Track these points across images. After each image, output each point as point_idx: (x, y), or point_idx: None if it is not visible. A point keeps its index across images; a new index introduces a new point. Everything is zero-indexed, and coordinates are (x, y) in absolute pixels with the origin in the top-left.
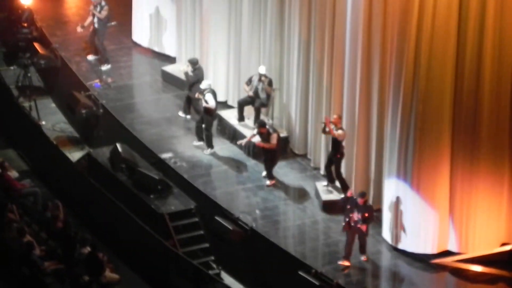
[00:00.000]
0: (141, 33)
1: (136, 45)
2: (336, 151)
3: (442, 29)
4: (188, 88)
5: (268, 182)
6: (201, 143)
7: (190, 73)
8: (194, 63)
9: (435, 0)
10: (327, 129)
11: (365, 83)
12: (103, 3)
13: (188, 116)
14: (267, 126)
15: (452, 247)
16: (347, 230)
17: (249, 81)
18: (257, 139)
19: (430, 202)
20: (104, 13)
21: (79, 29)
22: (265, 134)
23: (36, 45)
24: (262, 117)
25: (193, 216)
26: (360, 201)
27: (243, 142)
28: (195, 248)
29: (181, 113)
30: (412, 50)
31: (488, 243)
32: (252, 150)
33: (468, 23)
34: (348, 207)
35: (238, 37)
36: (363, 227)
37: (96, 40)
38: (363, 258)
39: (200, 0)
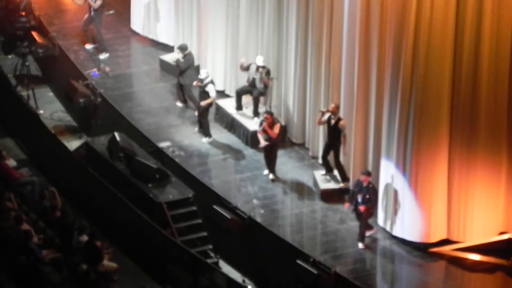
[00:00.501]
0: (139, 21)
1: (135, 33)
2: (335, 139)
3: (440, 18)
4: (180, 75)
5: (271, 176)
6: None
7: (181, 59)
8: (184, 48)
9: None
10: (323, 119)
11: (363, 72)
12: None
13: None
14: (273, 116)
15: (450, 235)
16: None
17: (247, 68)
18: (258, 127)
19: (428, 190)
20: (99, 2)
21: (78, 2)
22: (270, 123)
23: (34, 34)
24: (261, 106)
25: (191, 205)
26: (363, 179)
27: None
28: (193, 237)
29: (179, 103)
30: (411, 40)
31: (486, 232)
32: (250, 139)
33: (466, 13)
34: (355, 190)
35: (236, 26)
36: (362, 208)
37: (94, 29)
38: (360, 245)
39: None
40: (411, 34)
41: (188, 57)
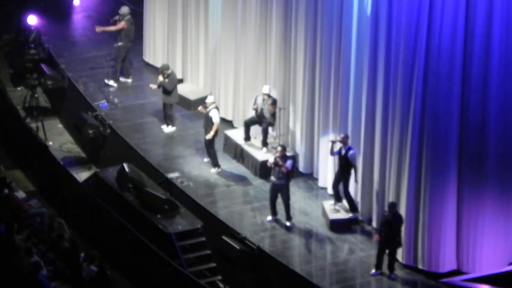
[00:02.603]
0: (152, 53)
1: (148, 65)
2: (345, 170)
3: (448, 49)
4: (166, 94)
5: (288, 223)
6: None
7: (166, 81)
8: (167, 68)
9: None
10: (334, 149)
11: (371, 102)
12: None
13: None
14: (286, 152)
15: (460, 266)
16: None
17: (255, 101)
18: (270, 159)
19: (438, 221)
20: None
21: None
22: (282, 156)
23: (43, 66)
24: (270, 135)
25: (200, 235)
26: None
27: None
28: (202, 267)
29: (164, 127)
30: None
31: (496, 263)
32: (259, 170)
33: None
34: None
35: (243, 57)
36: (376, 237)
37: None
38: (372, 270)
39: (205, 21)
40: (422, 66)
41: (172, 76)
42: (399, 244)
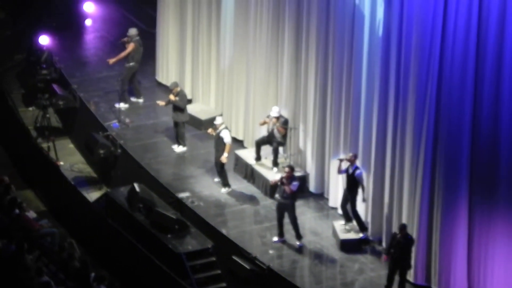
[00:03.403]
0: (165, 73)
1: (160, 85)
2: (352, 190)
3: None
4: (178, 112)
5: (298, 242)
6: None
7: (177, 98)
8: (176, 86)
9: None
10: (342, 168)
11: (382, 121)
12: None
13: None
14: (294, 172)
15: (471, 286)
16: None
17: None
18: (275, 178)
19: (449, 241)
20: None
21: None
22: (289, 177)
23: (55, 86)
24: (281, 155)
25: (210, 255)
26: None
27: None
28: (213, 287)
29: (175, 147)
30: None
31: (507, 283)
32: (269, 190)
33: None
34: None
35: (255, 77)
36: (384, 257)
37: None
38: None
39: (217, 41)
40: (434, 87)
41: (182, 93)
42: (409, 266)
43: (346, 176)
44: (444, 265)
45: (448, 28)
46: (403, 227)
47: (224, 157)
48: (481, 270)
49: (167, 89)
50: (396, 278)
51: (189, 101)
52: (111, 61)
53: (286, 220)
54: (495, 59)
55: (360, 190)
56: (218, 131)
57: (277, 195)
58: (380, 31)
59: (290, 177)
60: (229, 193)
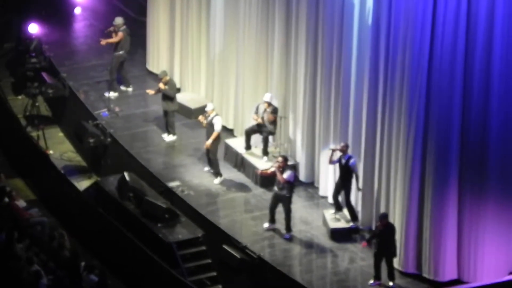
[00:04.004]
0: (155, 62)
1: (150, 73)
2: (347, 179)
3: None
4: (167, 101)
5: (287, 234)
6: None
7: (167, 87)
8: (165, 74)
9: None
10: (333, 158)
11: (371, 110)
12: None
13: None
14: (287, 163)
15: (460, 276)
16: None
17: (256, 110)
18: (263, 168)
19: (439, 230)
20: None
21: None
22: (281, 167)
23: (44, 74)
24: (271, 144)
25: (200, 244)
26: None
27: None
28: (203, 276)
29: (165, 136)
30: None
31: (497, 272)
32: (259, 179)
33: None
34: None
35: (244, 66)
36: (363, 244)
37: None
38: (370, 281)
39: (207, 30)
40: (425, 74)
41: (171, 82)
42: (394, 254)
43: (339, 166)
44: (434, 253)
45: (437, 17)
46: (384, 217)
47: (208, 142)
48: (471, 258)
49: (157, 78)
50: (384, 267)
51: (178, 90)
52: (104, 41)
53: (279, 209)
54: (485, 48)
55: (353, 180)
56: (210, 118)
57: (275, 187)
58: (369, 20)
59: (282, 167)
60: (219, 182)
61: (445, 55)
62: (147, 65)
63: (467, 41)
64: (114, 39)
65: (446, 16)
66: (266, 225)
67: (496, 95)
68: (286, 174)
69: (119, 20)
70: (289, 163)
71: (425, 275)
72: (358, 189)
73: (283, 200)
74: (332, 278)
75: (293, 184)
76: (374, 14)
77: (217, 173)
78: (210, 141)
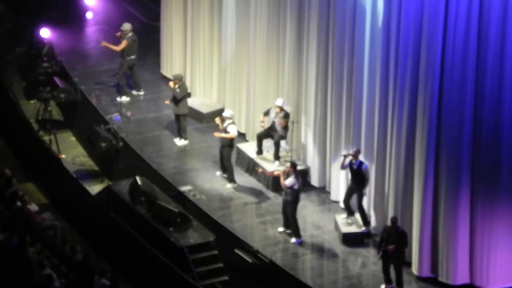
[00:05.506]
0: (169, 66)
1: (164, 78)
2: (359, 184)
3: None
4: (175, 104)
5: (293, 240)
6: (224, 174)
7: (177, 90)
8: (180, 78)
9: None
10: (345, 163)
11: (383, 114)
12: (128, 34)
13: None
14: (294, 169)
15: (473, 280)
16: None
17: (267, 113)
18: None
19: (452, 234)
20: (122, 46)
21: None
22: (287, 172)
23: (56, 79)
24: (282, 149)
25: (212, 249)
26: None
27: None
28: (215, 281)
29: (177, 140)
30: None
31: (509, 277)
32: (271, 183)
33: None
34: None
35: (256, 71)
36: (391, 248)
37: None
38: (382, 286)
39: (219, 34)
40: (437, 78)
41: (183, 86)
42: (402, 259)
43: (350, 171)
44: (446, 258)
45: (449, 19)
46: (394, 220)
47: (219, 134)
48: (483, 264)
49: (169, 83)
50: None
51: (189, 95)
52: (104, 44)
53: None
54: (497, 49)
55: (366, 184)
56: (225, 125)
57: (283, 191)
58: (380, 23)
59: (287, 173)
60: (231, 188)
61: (456, 57)
62: (161, 69)
63: (479, 42)
64: (116, 48)
65: (457, 17)
66: (280, 229)
67: (508, 97)
68: (288, 180)
69: (126, 26)
70: (300, 167)
71: (441, 279)
72: (364, 193)
73: (288, 204)
74: (343, 283)
75: (297, 190)
76: (384, 18)
77: (231, 180)
78: (222, 134)
